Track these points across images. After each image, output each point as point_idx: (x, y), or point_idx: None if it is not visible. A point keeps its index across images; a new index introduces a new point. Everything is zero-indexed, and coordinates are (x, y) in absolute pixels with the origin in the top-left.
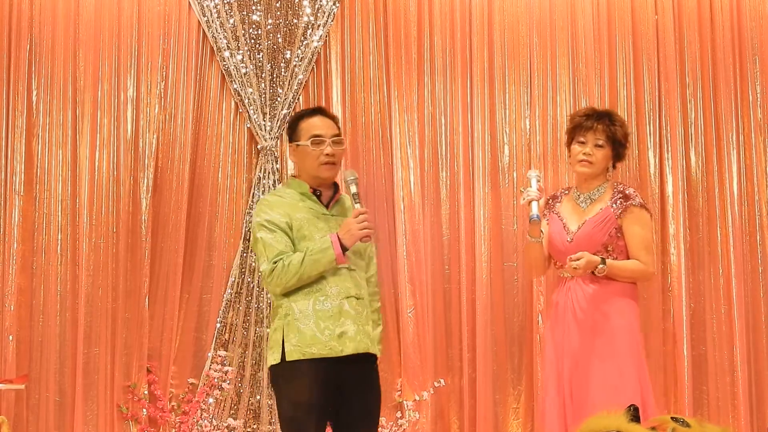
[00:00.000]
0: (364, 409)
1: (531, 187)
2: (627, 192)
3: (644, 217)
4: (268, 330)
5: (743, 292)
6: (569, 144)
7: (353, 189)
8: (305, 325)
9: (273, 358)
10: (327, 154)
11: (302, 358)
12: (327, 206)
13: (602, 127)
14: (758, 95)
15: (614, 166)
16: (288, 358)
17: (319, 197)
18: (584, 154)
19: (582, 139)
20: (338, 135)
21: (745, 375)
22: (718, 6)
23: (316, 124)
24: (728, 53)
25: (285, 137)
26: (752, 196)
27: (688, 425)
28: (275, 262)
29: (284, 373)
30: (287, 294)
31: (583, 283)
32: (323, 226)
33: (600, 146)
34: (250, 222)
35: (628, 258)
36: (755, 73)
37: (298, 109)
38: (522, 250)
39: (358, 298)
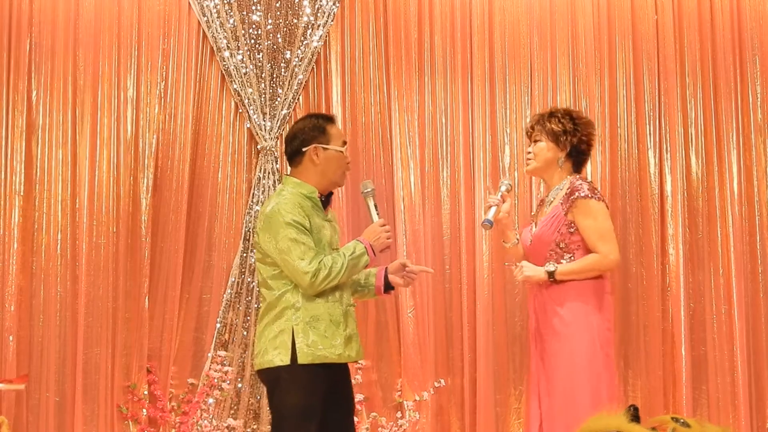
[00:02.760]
0: (347, 411)
1: (497, 193)
2: (575, 185)
3: (593, 207)
4: None
5: (743, 292)
6: None
7: (371, 201)
8: (316, 329)
9: (279, 359)
10: (348, 162)
11: (314, 362)
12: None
13: (533, 125)
14: (758, 95)
15: (575, 161)
16: (300, 361)
17: (323, 203)
18: (526, 153)
19: (528, 144)
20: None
21: (745, 375)
22: (718, 6)
23: (341, 132)
24: (728, 53)
25: (279, 138)
26: (752, 196)
27: (688, 425)
28: (319, 263)
29: (291, 376)
30: (296, 296)
31: (542, 287)
32: (327, 232)
33: (536, 141)
34: (251, 222)
35: (585, 249)
36: (755, 73)
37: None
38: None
39: (353, 306)
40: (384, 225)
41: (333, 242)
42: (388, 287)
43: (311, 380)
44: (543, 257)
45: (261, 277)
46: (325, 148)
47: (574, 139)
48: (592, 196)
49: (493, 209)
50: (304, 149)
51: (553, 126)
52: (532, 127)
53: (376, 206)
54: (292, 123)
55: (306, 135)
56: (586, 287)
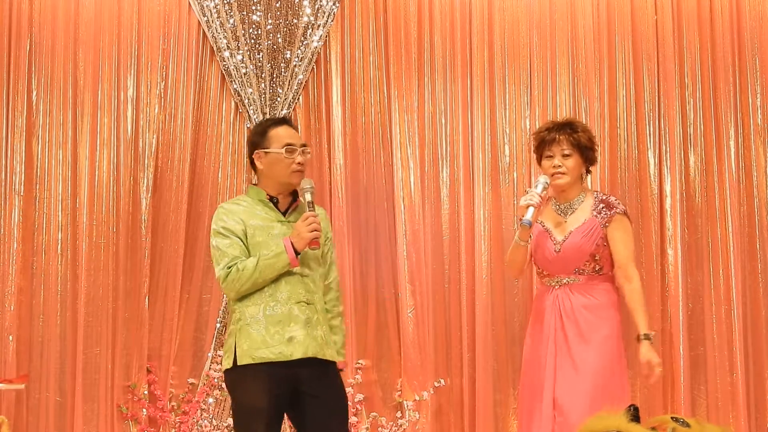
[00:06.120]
0: (327, 413)
1: (536, 190)
2: (609, 200)
3: (628, 226)
4: None
5: (742, 292)
6: (539, 162)
7: (308, 197)
8: (256, 330)
9: (226, 362)
10: (299, 163)
11: (252, 362)
12: (284, 213)
13: (564, 136)
14: (758, 95)
15: (588, 171)
16: (239, 363)
17: (276, 204)
18: (554, 167)
19: (549, 153)
20: (305, 145)
21: (745, 375)
22: (718, 6)
23: (287, 133)
24: (728, 53)
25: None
26: (751, 196)
27: (687, 425)
28: (229, 267)
29: (236, 378)
30: (240, 299)
31: (571, 293)
32: (278, 233)
33: (567, 155)
34: None
35: (612, 262)
36: (755, 73)
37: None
38: (509, 249)
39: (308, 303)
40: (306, 219)
41: None
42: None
43: (255, 381)
44: (573, 266)
45: None
46: (266, 152)
47: (595, 154)
48: (626, 213)
49: (532, 210)
50: (252, 156)
51: (583, 141)
52: (558, 137)
53: (310, 203)
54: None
55: (251, 142)
56: (616, 300)
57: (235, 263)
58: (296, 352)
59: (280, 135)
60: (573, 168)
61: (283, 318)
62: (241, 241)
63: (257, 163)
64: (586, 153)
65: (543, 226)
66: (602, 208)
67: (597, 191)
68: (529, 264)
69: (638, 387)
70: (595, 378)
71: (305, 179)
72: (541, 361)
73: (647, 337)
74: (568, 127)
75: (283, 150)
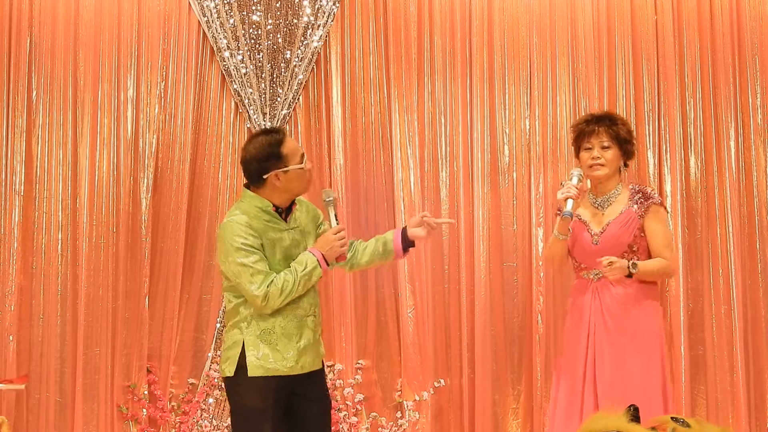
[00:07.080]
0: (321, 410)
1: (572, 182)
2: (646, 191)
3: (663, 215)
4: None
5: (742, 292)
6: (577, 154)
7: (333, 211)
8: (268, 342)
9: (228, 370)
10: (309, 170)
11: (265, 375)
12: (285, 220)
13: (604, 128)
14: (758, 95)
15: (626, 165)
16: (251, 374)
17: (280, 214)
18: (593, 158)
19: (588, 145)
20: None
21: (745, 375)
22: (718, 6)
23: (295, 145)
24: (728, 53)
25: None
26: (751, 196)
27: (688, 425)
28: (268, 286)
29: (240, 384)
30: (249, 309)
31: (612, 285)
32: (289, 244)
33: (606, 147)
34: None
35: (650, 256)
36: (755, 73)
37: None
38: (547, 244)
39: (315, 316)
40: (338, 232)
41: (292, 253)
42: (407, 247)
43: (263, 388)
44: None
45: (223, 284)
46: (285, 171)
47: (633, 148)
48: (662, 204)
49: (571, 201)
50: (264, 176)
51: (622, 134)
52: (597, 128)
53: (336, 215)
54: (250, 140)
55: (262, 163)
56: (654, 291)
57: (271, 280)
58: (306, 365)
59: (293, 149)
60: (611, 160)
61: (295, 331)
62: (263, 255)
63: (275, 182)
64: (625, 146)
65: (580, 218)
66: (639, 198)
67: (632, 183)
68: (526, 264)
69: None
70: (639, 372)
71: (326, 190)
72: (580, 357)
73: (634, 266)
74: (607, 119)
75: (303, 164)
